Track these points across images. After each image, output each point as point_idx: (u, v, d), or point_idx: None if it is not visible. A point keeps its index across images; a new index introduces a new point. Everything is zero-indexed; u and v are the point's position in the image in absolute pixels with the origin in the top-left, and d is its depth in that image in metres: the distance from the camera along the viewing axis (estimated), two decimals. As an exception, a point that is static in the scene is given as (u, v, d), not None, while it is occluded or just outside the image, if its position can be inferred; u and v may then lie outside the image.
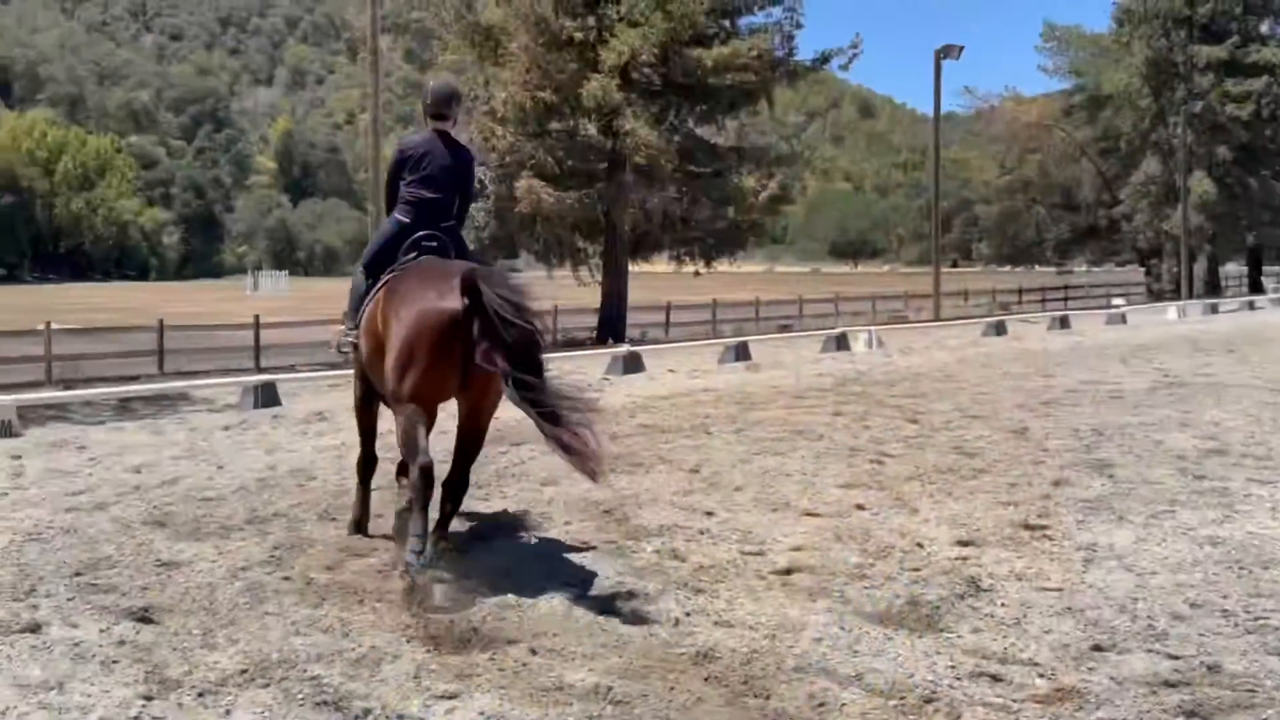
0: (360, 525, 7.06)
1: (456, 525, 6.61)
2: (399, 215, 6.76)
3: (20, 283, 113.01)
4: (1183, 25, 52.16)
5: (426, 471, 5.87)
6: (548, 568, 6.19)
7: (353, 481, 7.42)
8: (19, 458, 10.08)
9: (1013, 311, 41.34)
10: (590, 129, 30.50)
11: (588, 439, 5.68)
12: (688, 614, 5.42)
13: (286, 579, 6.06)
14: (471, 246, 27.18)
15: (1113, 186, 57.11)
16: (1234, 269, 69.66)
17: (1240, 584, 5.80)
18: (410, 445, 6.02)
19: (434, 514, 5.97)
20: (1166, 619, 5.28)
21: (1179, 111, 46.40)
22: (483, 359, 5.78)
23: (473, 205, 26.76)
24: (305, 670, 4.73)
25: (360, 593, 5.78)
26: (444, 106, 6.91)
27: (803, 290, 55.97)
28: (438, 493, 6.03)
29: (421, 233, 6.63)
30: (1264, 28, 53.13)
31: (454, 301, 5.83)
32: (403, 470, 6.63)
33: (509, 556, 6.43)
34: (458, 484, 6.22)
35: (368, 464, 7.21)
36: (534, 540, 6.84)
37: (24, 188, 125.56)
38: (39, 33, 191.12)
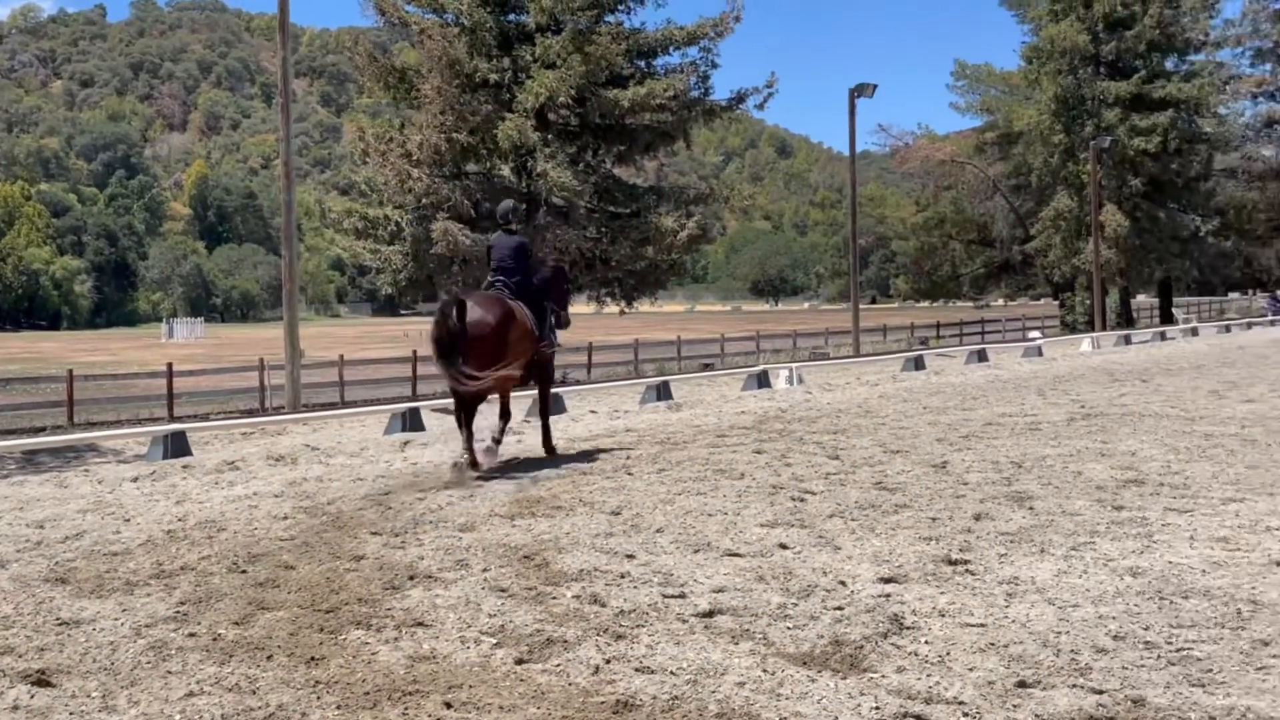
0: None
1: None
2: (489, 277, 11.73)
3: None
4: (1090, 62, 53.51)
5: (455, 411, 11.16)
6: (463, 616, 6.02)
7: (268, 529, 8.53)
8: (-87, 516, 9.67)
9: (931, 346, 41.84)
10: (504, 170, 30.47)
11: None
12: (608, 661, 5.28)
13: (192, 635, 5.83)
14: (388, 290, 27.17)
15: (1026, 221, 58.20)
16: (1145, 300, 71.35)
17: (1161, 615, 5.79)
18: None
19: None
20: (1090, 652, 5.25)
21: (1088, 146, 47.42)
22: None
23: (390, 248, 26.95)
24: (208, 732, 4.53)
25: (269, 648, 5.57)
26: (503, 219, 12.05)
27: (724, 329, 56.24)
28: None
29: (493, 280, 11.58)
30: (1169, 64, 54.60)
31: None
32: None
33: (425, 606, 6.25)
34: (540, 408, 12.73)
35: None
36: (449, 589, 6.64)
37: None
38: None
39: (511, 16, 31.35)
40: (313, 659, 5.40)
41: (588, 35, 29.56)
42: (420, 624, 5.92)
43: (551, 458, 12.01)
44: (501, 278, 11.48)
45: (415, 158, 28.60)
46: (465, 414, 10.90)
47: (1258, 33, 61.45)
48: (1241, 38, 61.81)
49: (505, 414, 11.87)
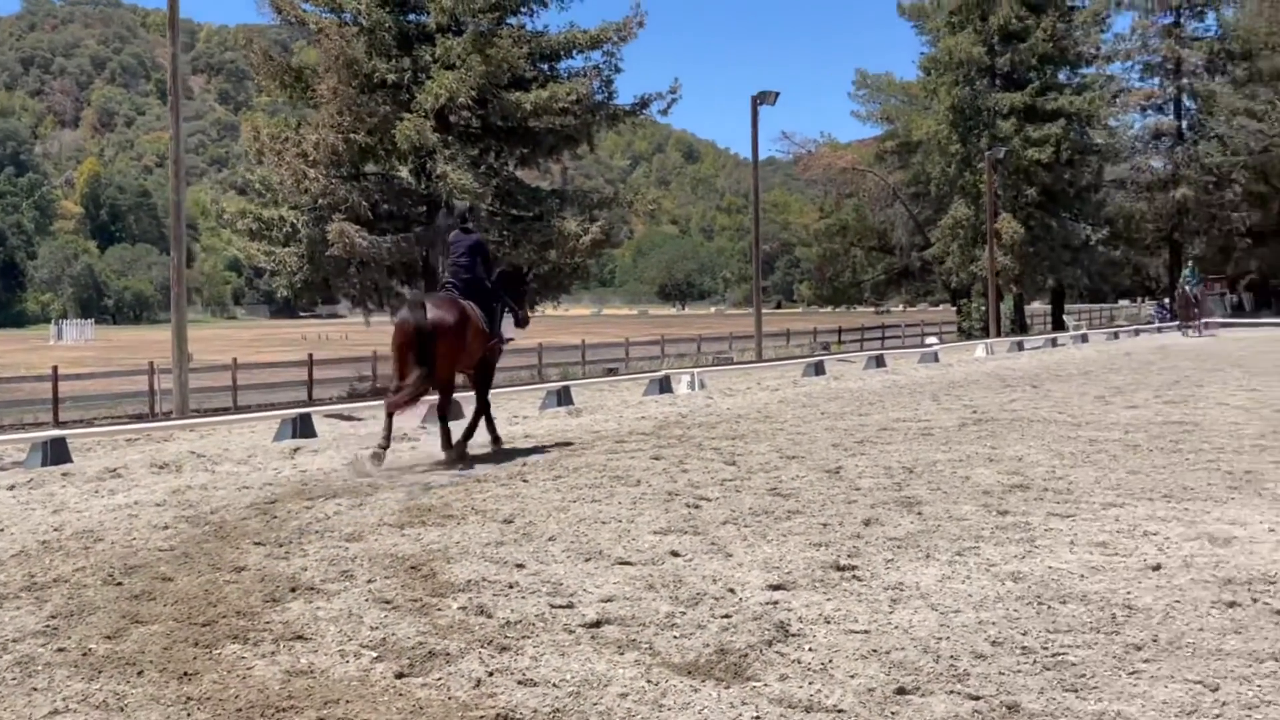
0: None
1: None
2: (445, 275, 12.71)
3: None
4: (985, 74, 54.64)
5: (388, 406, 11.48)
6: (344, 629, 5.90)
7: (148, 539, 8.25)
8: None
9: (832, 351, 42.28)
10: (403, 171, 30.14)
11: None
12: (490, 674, 5.20)
13: (61, 650, 5.63)
14: (284, 293, 26.91)
15: (925, 229, 59.25)
16: (1039, 307, 72.97)
17: (1040, 620, 5.87)
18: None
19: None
20: (969, 658, 5.29)
21: (984, 156, 48.33)
22: None
23: (285, 250, 26.54)
24: (69, 754, 4.36)
25: (141, 664, 5.39)
26: (461, 219, 13.10)
27: (630, 332, 56.33)
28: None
29: (448, 279, 12.42)
30: (1061, 76, 55.94)
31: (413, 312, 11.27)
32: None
33: (305, 619, 6.11)
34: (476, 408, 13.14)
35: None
36: (332, 601, 6.50)
37: None
38: None
39: (411, 17, 31.04)
40: (185, 674, 5.24)
41: (489, 37, 29.35)
42: (299, 637, 5.79)
43: (448, 462, 12.01)
44: (452, 278, 12.33)
45: (311, 158, 28.11)
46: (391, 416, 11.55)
47: (1146, 48, 63.20)
48: (1131, 52, 63.52)
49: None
